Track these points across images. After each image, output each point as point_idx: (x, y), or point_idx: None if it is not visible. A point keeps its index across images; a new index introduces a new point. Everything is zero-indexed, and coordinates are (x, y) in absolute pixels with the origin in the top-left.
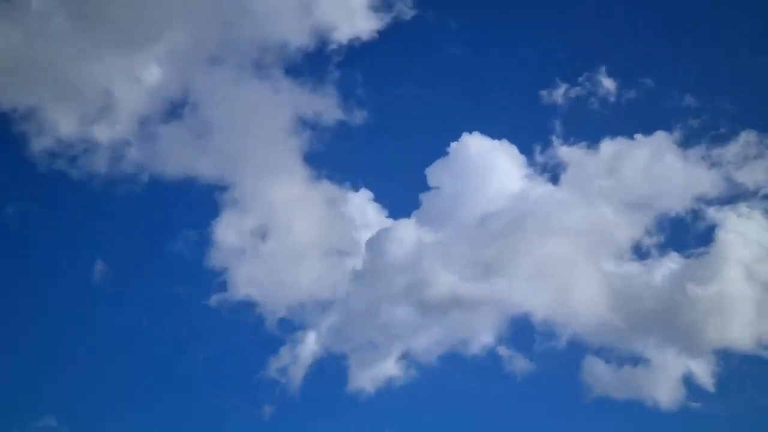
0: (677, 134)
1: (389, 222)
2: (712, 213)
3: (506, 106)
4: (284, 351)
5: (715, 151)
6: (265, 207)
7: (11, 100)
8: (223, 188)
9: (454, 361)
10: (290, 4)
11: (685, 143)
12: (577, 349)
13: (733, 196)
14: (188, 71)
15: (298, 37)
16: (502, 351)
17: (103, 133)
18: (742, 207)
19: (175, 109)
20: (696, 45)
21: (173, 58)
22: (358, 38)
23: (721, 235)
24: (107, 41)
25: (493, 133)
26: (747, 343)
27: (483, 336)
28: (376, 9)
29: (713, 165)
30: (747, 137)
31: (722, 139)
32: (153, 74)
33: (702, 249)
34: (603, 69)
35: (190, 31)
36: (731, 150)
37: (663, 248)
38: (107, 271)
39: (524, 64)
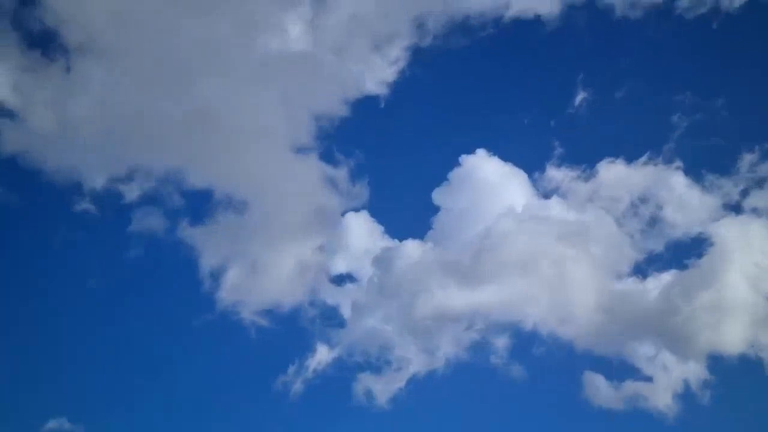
0: (677, 155)
1: (391, 242)
2: (707, 226)
3: (509, 127)
4: (293, 366)
5: (713, 178)
6: (269, 221)
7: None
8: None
9: (458, 374)
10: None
11: (684, 163)
12: (578, 362)
13: (729, 210)
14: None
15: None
16: (506, 365)
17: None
18: (739, 218)
19: None
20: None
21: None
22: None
23: (716, 245)
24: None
25: (496, 153)
26: (744, 352)
27: (487, 351)
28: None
29: (710, 184)
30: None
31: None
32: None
33: (698, 260)
34: (604, 88)
35: None
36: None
37: (660, 263)
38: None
39: (530, 85)
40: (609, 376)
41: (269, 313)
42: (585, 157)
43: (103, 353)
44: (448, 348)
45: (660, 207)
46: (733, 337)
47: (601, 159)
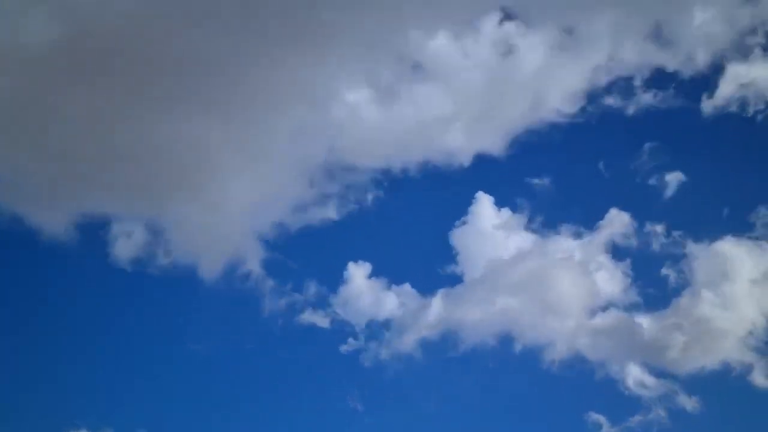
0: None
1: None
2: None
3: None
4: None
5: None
6: None
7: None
8: None
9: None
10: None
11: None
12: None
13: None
14: None
15: None
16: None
17: None
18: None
19: None
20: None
21: None
22: None
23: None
24: None
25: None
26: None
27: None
28: None
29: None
30: None
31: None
32: None
33: (689, 291)
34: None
35: None
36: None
37: (654, 298)
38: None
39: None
40: (610, 413)
41: None
42: (590, 206)
43: (126, 362)
44: (462, 387)
45: (657, 252)
46: (725, 359)
47: (607, 209)
